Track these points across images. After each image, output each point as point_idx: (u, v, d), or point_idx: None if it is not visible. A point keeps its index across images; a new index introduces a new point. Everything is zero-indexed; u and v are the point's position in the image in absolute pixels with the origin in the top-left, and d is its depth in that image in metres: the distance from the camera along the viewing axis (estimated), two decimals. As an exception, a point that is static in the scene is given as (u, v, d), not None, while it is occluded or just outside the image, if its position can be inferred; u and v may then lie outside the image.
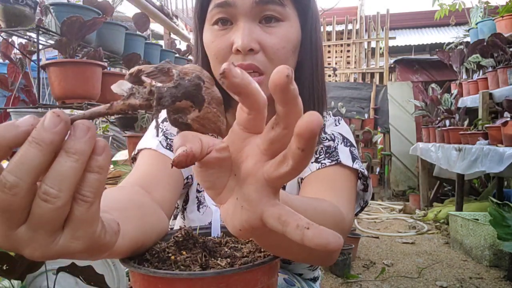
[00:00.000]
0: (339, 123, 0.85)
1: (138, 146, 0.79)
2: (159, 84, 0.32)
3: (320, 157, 0.75)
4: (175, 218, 0.90)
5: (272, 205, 0.32)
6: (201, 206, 0.82)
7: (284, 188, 0.80)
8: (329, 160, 0.73)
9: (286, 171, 0.30)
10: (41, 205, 0.28)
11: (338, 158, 0.73)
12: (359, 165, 0.74)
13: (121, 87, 0.33)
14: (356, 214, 0.78)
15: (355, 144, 0.81)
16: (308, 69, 0.76)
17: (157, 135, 0.76)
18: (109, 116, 0.32)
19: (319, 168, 0.72)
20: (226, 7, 0.68)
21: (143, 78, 0.35)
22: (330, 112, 0.88)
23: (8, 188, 0.27)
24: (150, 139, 0.78)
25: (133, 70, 0.35)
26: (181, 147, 0.30)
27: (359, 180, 0.77)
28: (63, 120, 0.28)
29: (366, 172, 0.76)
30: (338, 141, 0.78)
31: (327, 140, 0.78)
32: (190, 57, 3.01)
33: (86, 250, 0.31)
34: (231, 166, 0.34)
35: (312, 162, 0.74)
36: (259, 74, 0.69)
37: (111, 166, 2.30)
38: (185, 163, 0.31)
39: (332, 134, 0.80)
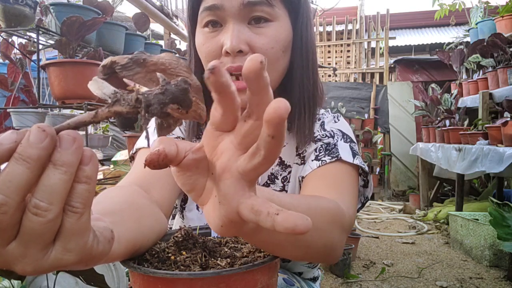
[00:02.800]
0: (339, 120, 0.85)
1: (136, 145, 0.79)
2: (145, 89, 0.31)
3: (320, 154, 0.75)
4: (173, 217, 0.90)
5: (247, 197, 0.32)
6: None
7: (284, 187, 0.80)
8: (329, 157, 0.73)
9: (258, 161, 0.30)
10: (32, 219, 0.27)
11: (339, 155, 0.73)
12: (359, 161, 0.74)
13: (102, 90, 0.32)
14: (358, 210, 0.78)
15: (355, 140, 0.81)
16: (299, 68, 0.75)
17: (148, 146, 0.76)
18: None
19: (319, 166, 0.72)
20: (215, 10, 0.68)
21: (126, 81, 0.34)
22: (329, 109, 0.88)
23: None
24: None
25: (106, 61, 0.33)
26: (155, 148, 0.31)
27: (359, 176, 0.77)
28: (49, 135, 0.27)
29: (366, 168, 0.76)
30: (337, 137, 0.78)
31: (326, 137, 0.78)
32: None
33: (79, 261, 0.30)
34: (207, 167, 0.35)
35: (312, 160, 0.74)
36: None
37: (111, 166, 2.30)
38: (157, 163, 0.31)
39: (332, 130, 0.80)
